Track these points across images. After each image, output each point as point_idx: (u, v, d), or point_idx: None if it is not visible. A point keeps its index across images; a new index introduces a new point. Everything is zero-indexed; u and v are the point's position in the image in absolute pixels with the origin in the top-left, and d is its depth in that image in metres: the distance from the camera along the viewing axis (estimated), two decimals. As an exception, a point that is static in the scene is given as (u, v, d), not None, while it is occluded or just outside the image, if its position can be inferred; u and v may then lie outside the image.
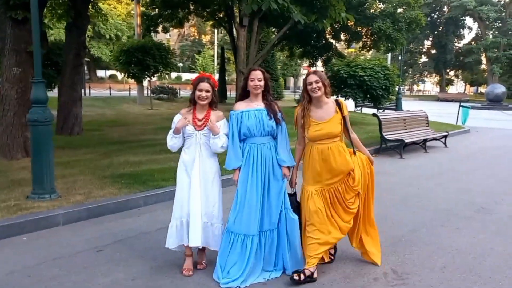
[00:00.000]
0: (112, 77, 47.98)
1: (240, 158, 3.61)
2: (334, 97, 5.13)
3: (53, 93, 12.08)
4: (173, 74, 49.54)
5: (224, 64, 24.93)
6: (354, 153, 3.78)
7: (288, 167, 3.67)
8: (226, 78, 27.94)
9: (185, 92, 30.52)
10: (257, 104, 3.63)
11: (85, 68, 47.30)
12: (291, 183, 3.81)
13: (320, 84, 3.55)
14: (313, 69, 3.53)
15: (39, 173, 5.25)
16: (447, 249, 4.38)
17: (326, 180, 3.64)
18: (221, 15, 19.85)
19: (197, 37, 59.23)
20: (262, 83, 3.61)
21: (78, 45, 11.17)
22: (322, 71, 3.81)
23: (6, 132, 7.58)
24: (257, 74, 3.62)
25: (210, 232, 3.64)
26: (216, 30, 42.22)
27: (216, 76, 26.85)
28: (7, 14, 7.06)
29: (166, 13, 18.95)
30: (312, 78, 3.57)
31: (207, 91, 3.56)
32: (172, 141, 3.64)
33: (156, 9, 19.04)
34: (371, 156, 3.88)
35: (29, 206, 4.96)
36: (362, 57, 21.11)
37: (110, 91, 29.33)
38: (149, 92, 23.10)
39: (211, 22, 23.33)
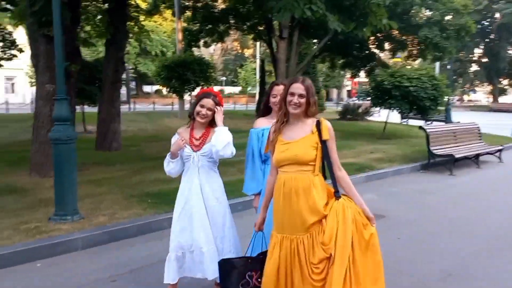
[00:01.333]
0: (157, 92, 49.14)
1: (260, 181, 3.22)
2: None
3: (96, 109, 12.21)
4: (216, 88, 50.10)
5: (264, 77, 24.64)
6: (337, 196, 2.59)
7: None
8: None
9: (227, 106, 30.57)
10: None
11: (134, 83, 48.96)
12: (256, 224, 2.93)
13: (303, 100, 2.61)
14: (300, 76, 2.66)
15: (60, 193, 5.07)
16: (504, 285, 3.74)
17: (287, 227, 2.58)
18: (261, 28, 19.69)
19: (239, 51, 59.71)
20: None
21: (116, 61, 11.25)
22: (310, 81, 2.79)
23: (39, 149, 7.58)
24: (280, 90, 3.20)
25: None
26: (258, 43, 42.30)
27: (257, 89, 26.66)
28: (40, 32, 7.07)
29: (207, 28, 19.05)
30: (297, 89, 2.61)
31: (209, 109, 3.16)
32: (169, 167, 3.24)
33: (198, 24, 19.17)
34: (369, 211, 2.61)
35: (48, 229, 4.76)
36: (409, 67, 20.21)
37: (154, 105, 29.86)
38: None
39: (252, 36, 23.28)
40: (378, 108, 17.00)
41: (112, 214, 5.40)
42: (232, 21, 19.22)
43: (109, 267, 4.14)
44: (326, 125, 2.64)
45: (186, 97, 21.74)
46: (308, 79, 2.67)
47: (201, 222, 3.16)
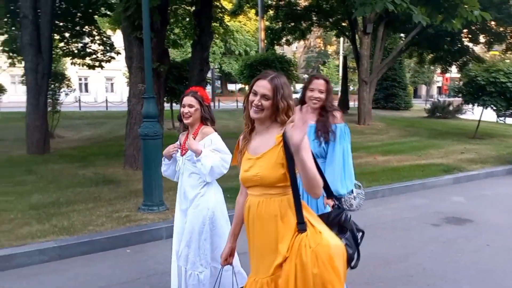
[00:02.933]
0: (241, 90, 50.36)
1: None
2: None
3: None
4: (298, 86, 50.02)
5: (346, 74, 24.16)
6: (300, 228, 1.96)
7: (332, 198, 2.68)
8: (351, 88, 27.20)
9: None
10: (311, 119, 3.02)
11: (219, 82, 50.72)
12: (221, 255, 2.42)
13: (267, 103, 2.02)
14: (273, 72, 2.06)
15: (148, 186, 5.44)
16: None
17: (255, 264, 2.12)
18: (344, 24, 19.33)
19: (322, 48, 59.02)
20: (323, 95, 3.02)
21: (201, 61, 11.73)
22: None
23: (132, 144, 8.17)
24: (319, 84, 3.03)
25: (182, 279, 2.96)
26: (341, 40, 41.50)
27: (339, 87, 26.21)
28: (133, 35, 7.62)
29: (289, 26, 19.14)
30: (261, 88, 2.02)
31: (190, 105, 2.93)
32: (162, 168, 3.19)
33: (280, 23, 19.32)
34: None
35: (137, 218, 5.15)
36: (508, 61, 18.55)
37: (237, 103, 30.66)
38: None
39: (335, 32, 22.95)
40: (471, 106, 15.87)
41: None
42: (314, 18, 19.11)
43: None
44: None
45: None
46: (281, 77, 2.07)
47: (177, 233, 3.09)
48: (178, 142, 3.11)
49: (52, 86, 11.92)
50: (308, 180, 1.87)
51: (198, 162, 2.84)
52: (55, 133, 12.60)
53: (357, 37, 17.54)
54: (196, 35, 11.78)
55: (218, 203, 3.01)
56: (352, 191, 3.09)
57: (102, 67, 13.90)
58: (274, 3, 19.19)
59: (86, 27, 13.09)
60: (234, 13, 20.11)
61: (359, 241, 2.27)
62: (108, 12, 12.65)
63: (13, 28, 11.84)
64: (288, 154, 1.95)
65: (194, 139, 2.93)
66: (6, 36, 12.24)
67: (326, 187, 2.40)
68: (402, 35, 20.19)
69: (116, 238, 4.62)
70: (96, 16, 13.16)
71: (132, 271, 4.04)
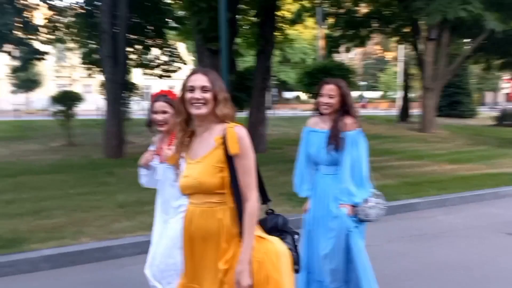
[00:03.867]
0: (297, 98, 50.53)
1: (307, 183, 3.13)
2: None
3: (244, 115, 13.28)
4: (355, 93, 49.39)
5: (407, 81, 23.66)
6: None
7: (352, 205, 2.88)
8: (412, 95, 26.48)
9: (367, 111, 30.03)
10: (325, 124, 3.01)
11: (275, 90, 51.26)
12: None
13: (208, 95, 1.89)
14: (199, 68, 2.08)
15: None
16: None
17: (189, 279, 1.99)
18: (407, 30, 19.00)
19: (381, 55, 57.93)
20: (334, 100, 2.92)
21: (264, 70, 12.10)
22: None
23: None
24: (329, 89, 2.93)
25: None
26: (400, 46, 40.61)
27: (399, 94, 25.66)
28: (206, 46, 8.08)
29: (349, 33, 19.10)
30: (198, 80, 1.90)
31: (164, 112, 2.68)
32: (143, 180, 2.91)
33: (339, 30, 19.34)
34: (247, 274, 1.82)
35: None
36: None
37: (295, 111, 30.90)
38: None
39: (395, 39, 22.57)
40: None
41: (263, 209, 5.93)
42: (375, 25, 18.94)
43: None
44: (234, 133, 1.86)
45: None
46: (212, 71, 2.00)
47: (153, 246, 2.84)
48: (152, 147, 2.87)
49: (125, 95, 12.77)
50: (244, 185, 1.88)
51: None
52: (127, 139, 13.43)
53: (420, 43, 17.20)
54: (260, 45, 12.17)
55: None
56: (367, 200, 2.92)
57: (170, 76, 14.68)
58: (333, 11, 19.25)
59: (156, 39, 13.91)
60: (293, 22, 20.39)
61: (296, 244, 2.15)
62: (176, 25, 13.39)
63: (91, 41, 12.85)
64: (229, 157, 1.82)
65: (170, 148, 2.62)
66: (85, 49, 13.30)
67: (263, 193, 2.21)
68: (467, 40, 19.53)
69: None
70: (165, 29, 13.94)
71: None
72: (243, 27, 14.12)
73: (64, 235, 4.66)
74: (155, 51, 14.63)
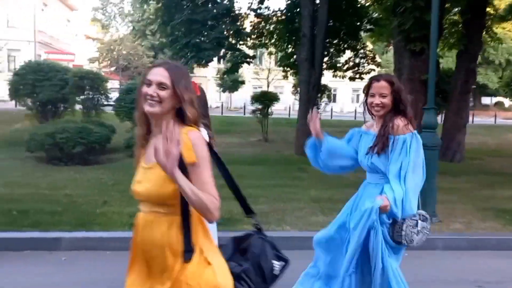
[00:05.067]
0: (497, 104, 44.78)
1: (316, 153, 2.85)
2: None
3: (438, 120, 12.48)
4: None
5: None
6: (186, 257, 1.63)
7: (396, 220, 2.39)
8: None
9: None
10: (375, 127, 2.62)
11: (471, 95, 46.49)
12: None
13: (164, 93, 1.65)
14: (170, 61, 1.76)
15: (423, 196, 5.50)
16: None
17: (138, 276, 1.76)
18: None
19: None
20: (387, 100, 2.51)
21: (467, 72, 11.12)
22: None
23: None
24: (380, 87, 2.51)
25: None
26: None
27: None
28: (407, 47, 7.83)
29: None
30: (156, 75, 1.66)
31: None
32: None
33: None
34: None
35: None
36: None
37: (495, 119, 27.40)
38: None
39: None
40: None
41: (467, 223, 5.49)
42: None
43: (470, 271, 4.26)
44: (189, 139, 1.62)
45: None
46: (180, 65, 1.74)
47: None
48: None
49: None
50: (193, 205, 1.58)
51: None
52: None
53: None
54: (463, 45, 11.22)
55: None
56: (416, 224, 2.49)
57: (362, 79, 14.67)
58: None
59: (350, 42, 14.05)
60: (503, 19, 18.10)
61: (274, 273, 1.78)
62: (371, 27, 13.28)
63: (289, 46, 13.73)
64: (183, 166, 1.56)
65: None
66: (283, 53, 14.29)
67: (243, 205, 1.94)
68: None
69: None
70: (360, 32, 13.98)
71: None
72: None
73: (269, 220, 5.14)
74: (347, 53, 14.79)
